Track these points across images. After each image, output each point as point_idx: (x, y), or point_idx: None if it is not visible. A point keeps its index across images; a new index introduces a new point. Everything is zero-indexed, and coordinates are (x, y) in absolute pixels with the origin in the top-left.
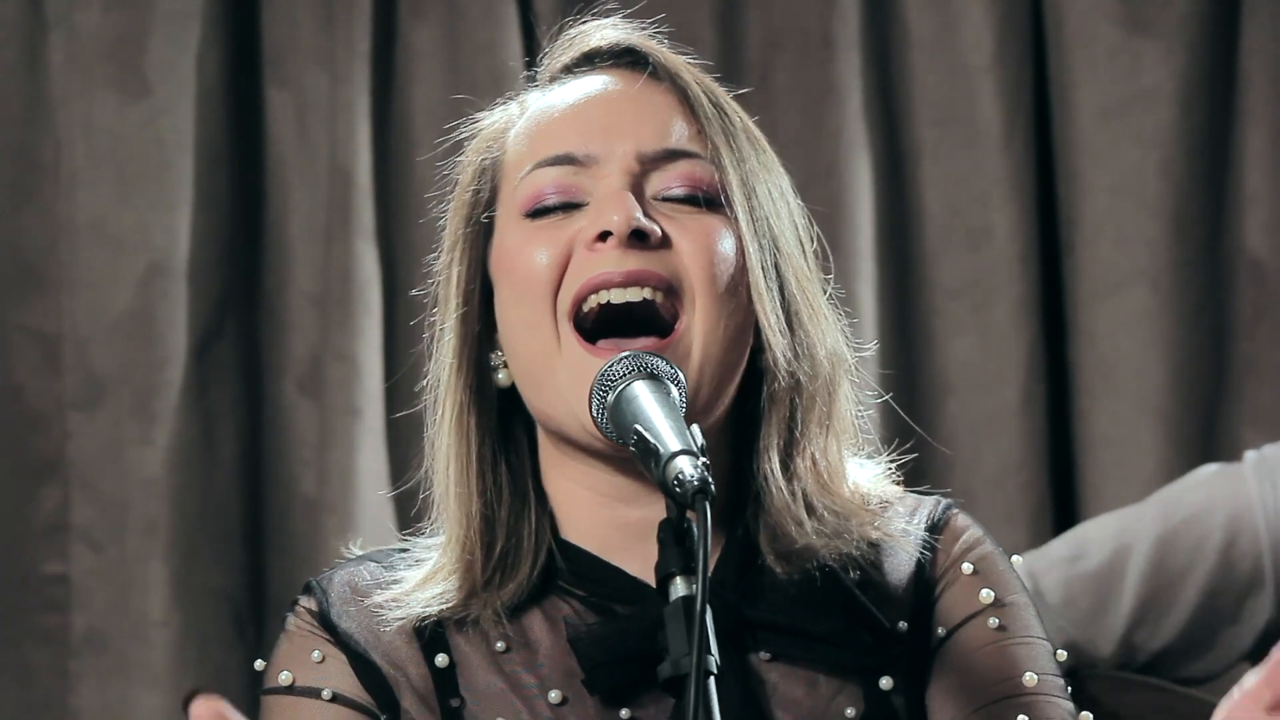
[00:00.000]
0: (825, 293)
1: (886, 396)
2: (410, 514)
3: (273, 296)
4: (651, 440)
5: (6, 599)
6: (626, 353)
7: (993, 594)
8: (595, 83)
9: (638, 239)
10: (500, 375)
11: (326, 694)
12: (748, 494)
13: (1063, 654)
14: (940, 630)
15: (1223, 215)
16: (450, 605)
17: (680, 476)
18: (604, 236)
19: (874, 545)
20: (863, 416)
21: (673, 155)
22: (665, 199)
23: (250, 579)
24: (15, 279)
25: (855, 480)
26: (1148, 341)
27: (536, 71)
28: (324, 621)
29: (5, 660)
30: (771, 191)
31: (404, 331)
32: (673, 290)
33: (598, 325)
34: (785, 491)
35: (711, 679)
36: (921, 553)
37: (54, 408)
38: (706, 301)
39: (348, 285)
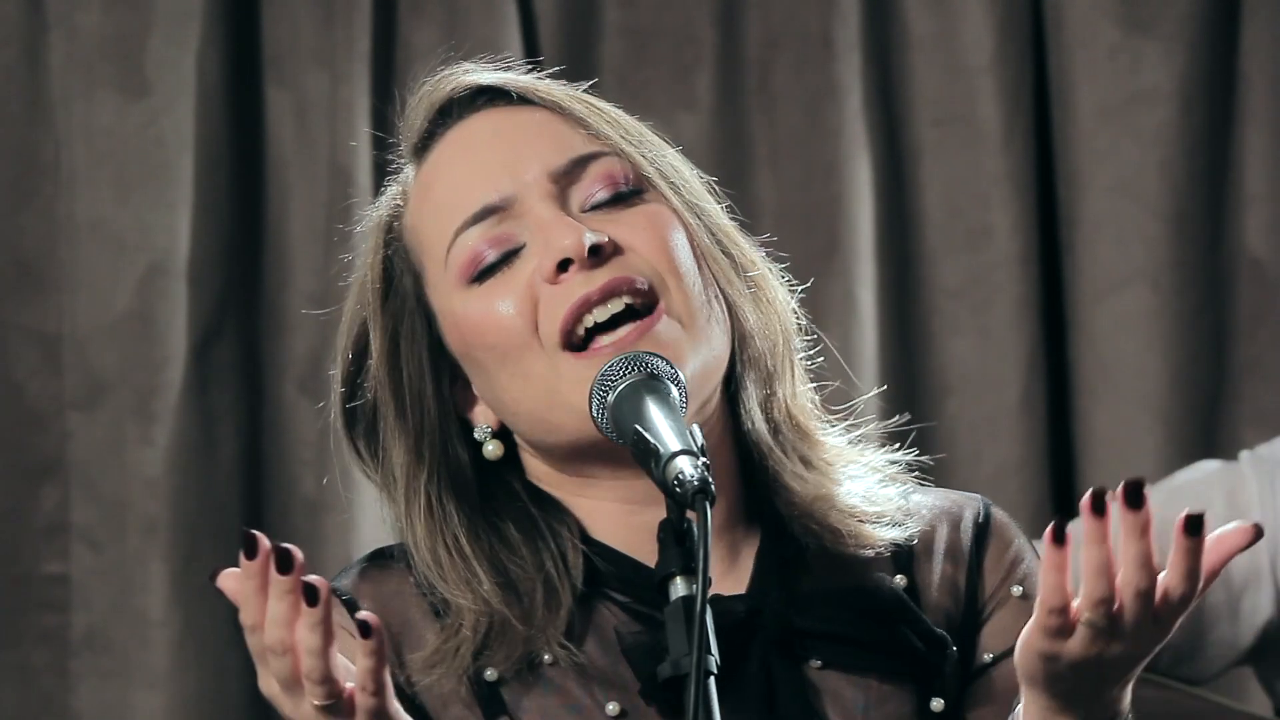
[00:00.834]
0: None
1: (881, 391)
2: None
3: (273, 296)
4: (651, 440)
5: (6, 599)
6: (626, 353)
7: None
8: (469, 130)
9: (594, 254)
10: (490, 447)
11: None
12: (765, 493)
13: None
14: (986, 656)
15: (1223, 215)
16: (515, 659)
17: (680, 476)
18: (563, 265)
19: (916, 547)
20: (809, 359)
21: (581, 162)
22: (593, 207)
23: None
24: (15, 279)
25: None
26: (1148, 341)
27: (397, 151)
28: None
29: (5, 660)
30: (674, 163)
31: None
32: (647, 289)
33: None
34: (776, 449)
35: (711, 679)
36: (970, 567)
37: (54, 408)
38: (676, 283)
39: (348, 285)
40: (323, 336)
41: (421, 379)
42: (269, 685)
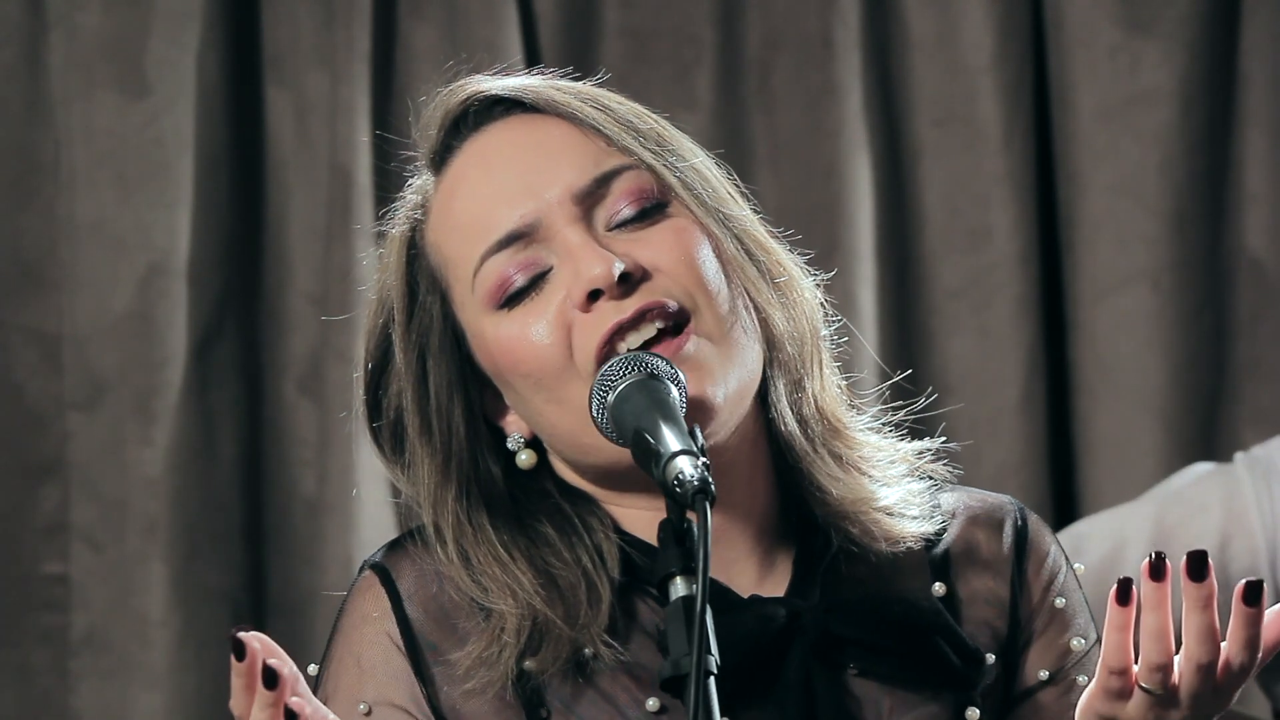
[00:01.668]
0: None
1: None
2: (410, 516)
3: (273, 296)
4: (651, 440)
5: (6, 599)
6: (626, 353)
7: (1082, 642)
8: (487, 144)
9: (623, 281)
10: (523, 456)
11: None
12: (799, 494)
13: None
14: (1042, 674)
15: (1223, 215)
16: (562, 659)
17: (680, 476)
18: (594, 295)
19: (954, 553)
20: (837, 349)
21: (604, 180)
22: (619, 225)
23: (250, 579)
24: (15, 279)
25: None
26: (1148, 341)
27: (413, 159)
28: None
29: (5, 660)
30: (698, 167)
31: None
32: (677, 310)
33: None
34: (808, 448)
35: (711, 679)
36: (1012, 580)
37: (54, 408)
38: (707, 301)
39: (348, 285)
40: (323, 336)
41: (450, 400)
42: None
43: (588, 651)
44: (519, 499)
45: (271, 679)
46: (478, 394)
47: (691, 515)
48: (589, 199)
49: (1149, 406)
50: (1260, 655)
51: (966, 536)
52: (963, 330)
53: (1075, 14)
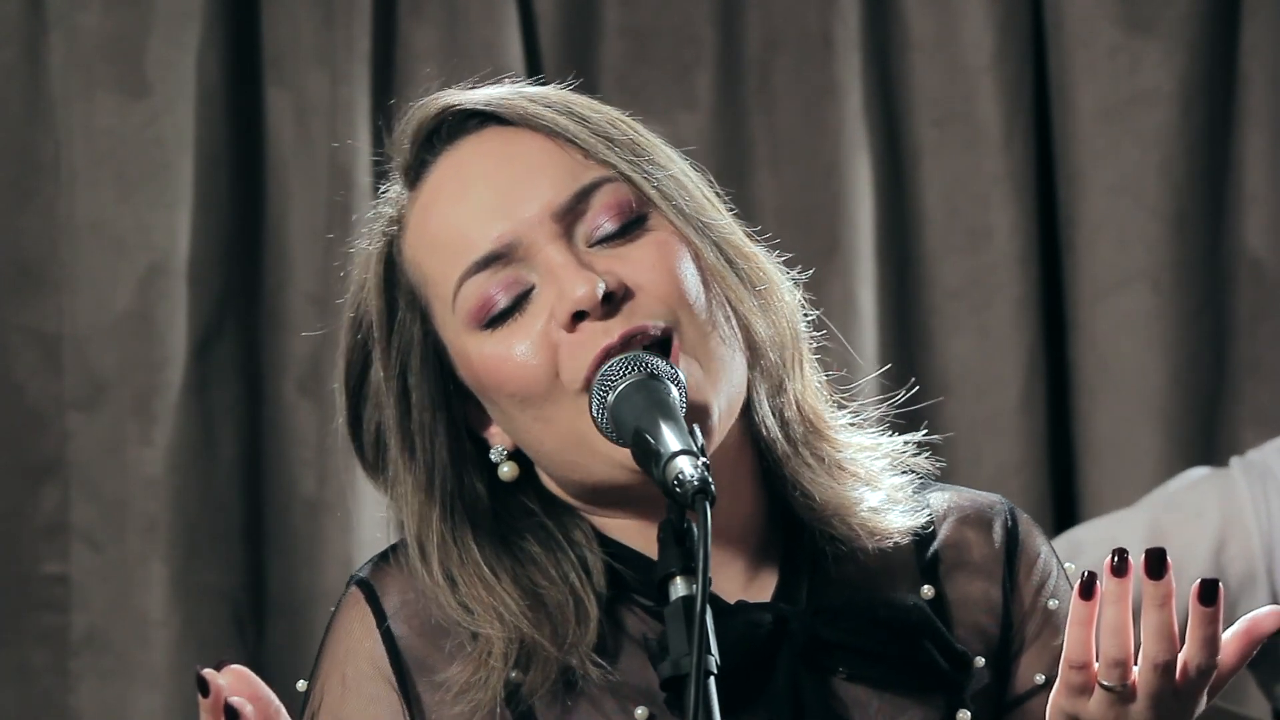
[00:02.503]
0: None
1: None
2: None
3: (273, 296)
4: (651, 440)
5: (6, 599)
6: (626, 353)
7: None
8: (463, 159)
9: (607, 301)
10: (505, 469)
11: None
12: (784, 497)
13: None
14: (1039, 678)
15: (1223, 215)
16: (550, 681)
17: (680, 476)
18: (578, 316)
19: (943, 555)
20: (816, 347)
21: (583, 195)
22: (600, 241)
23: (250, 579)
24: (15, 279)
25: (862, 443)
26: (1148, 341)
27: (388, 169)
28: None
29: (5, 660)
30: (676, 175)
31: None
32: (661, 330)
33: None
34: (791, 451)
35: (711, 679)
36: (1004, 583)
37: (54, 408)
38: (690, 318)
39: (348, 285)
40: (323, 337)
41: (434, 418)
42: None
43: (576, 668)
44: (502, 515)
45: (233, 718)
46: (460, 408)
47: (692, 515)
48: (569, 215)
49: (1149, 407)
50: (1218, 654)
51: (956, 538)
52: (963, 330)
53: (1075, 14)
